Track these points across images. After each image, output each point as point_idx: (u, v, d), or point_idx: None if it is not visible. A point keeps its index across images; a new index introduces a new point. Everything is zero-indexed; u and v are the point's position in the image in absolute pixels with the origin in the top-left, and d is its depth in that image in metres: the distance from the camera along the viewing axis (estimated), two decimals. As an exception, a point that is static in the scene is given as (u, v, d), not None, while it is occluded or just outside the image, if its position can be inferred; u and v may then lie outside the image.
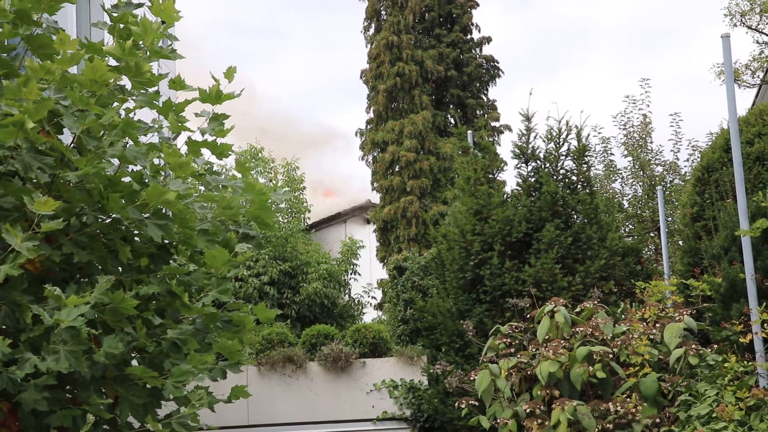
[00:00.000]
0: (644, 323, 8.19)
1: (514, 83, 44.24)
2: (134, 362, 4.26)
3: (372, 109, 25.39)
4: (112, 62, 4.21)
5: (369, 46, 25.78)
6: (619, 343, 7.90)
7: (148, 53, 4.26)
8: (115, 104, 4.17)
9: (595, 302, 8.69)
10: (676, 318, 8.05)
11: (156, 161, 4.31)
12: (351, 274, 16.71)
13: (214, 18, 55.58)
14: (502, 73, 26.11)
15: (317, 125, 51.71)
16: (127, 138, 4.13)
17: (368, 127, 25.66)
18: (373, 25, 26.04)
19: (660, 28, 50.60)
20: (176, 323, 4.36)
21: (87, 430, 3.92)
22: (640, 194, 16.82)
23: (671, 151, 17.17)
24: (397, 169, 24.06)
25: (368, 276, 19.16)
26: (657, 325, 8.16)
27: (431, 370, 10.59)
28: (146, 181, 4.12)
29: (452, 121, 25.38)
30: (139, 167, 4.15)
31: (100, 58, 3.97)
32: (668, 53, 49.18)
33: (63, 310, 3.52)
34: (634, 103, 17.36)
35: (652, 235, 15.78)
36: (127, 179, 4.13)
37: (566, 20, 45.34)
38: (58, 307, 3.57)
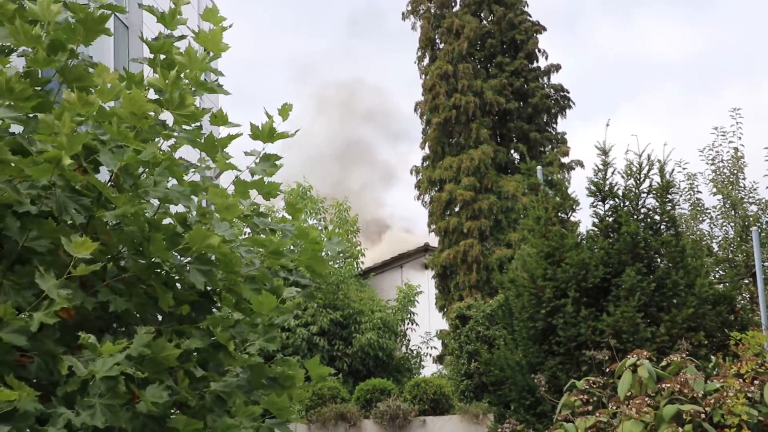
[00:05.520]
0: (740, 379, 7.97)
1: (572, 117, 44.24)
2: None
3: (427, 144, 25.44)
4: (153, 96, 4.23)
5: (423, 77, 25.94)
6: (711, 401, 7.70)
7: (193, 88, 4.26)
8: (157, 139, 4.18)
9: (683, 355, 8.49)
10: (778, 374, 7.82)
11: (203, 203, 4.30)
12: (408, 323, 16.63)
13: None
14: (573, 103, 25.94)
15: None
16: (169, 177, 4.13)
17: (424, 164, 25.69)
18: (427, 54, 26.23)
19: (725, 63, 50.20)
20: (220, 375, 4.31)
21: None
22: (731, 236, 16.46)
23: (767, 188, 16.76)
24: (456, 210, 23.96)
25: (426, 325, 19.02)
26: (756, 381, 7.93)
27: (499, 430, 10.41)
28: (189, 224, 4.11)
29: (516, 156, 25.26)
30: (182, 208, 4.15)
31: (139, 91, 4.00)
32: (737, 87, 48.67)
33: (98, 359, 3.50)
34: (723, 135, 17.03)
35: (747, 281, 15.39)
36: (168, 221, 4.12)
37: (626, 54, 45.26)
38: (93, 358, 3.56)
